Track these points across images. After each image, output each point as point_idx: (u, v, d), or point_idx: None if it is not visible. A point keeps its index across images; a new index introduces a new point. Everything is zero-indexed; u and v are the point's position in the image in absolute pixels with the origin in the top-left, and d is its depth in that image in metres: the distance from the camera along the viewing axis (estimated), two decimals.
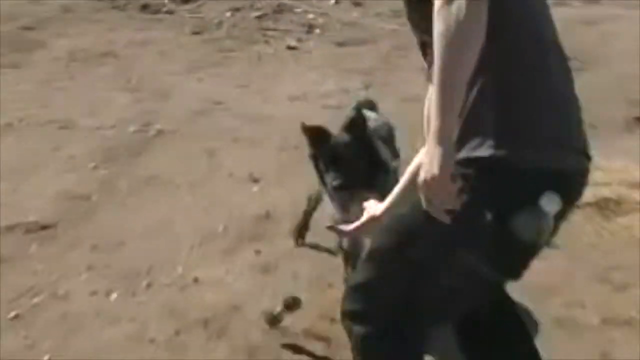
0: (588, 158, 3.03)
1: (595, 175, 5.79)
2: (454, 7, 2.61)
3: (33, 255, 5.15)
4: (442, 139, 2.58)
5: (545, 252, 4.99)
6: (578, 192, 3.02)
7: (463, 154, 2.73)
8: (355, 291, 3.14)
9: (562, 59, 2.96)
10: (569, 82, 2.99)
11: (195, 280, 4.87)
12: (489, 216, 2.71)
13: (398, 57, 8.98)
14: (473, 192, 2.70)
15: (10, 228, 5.40)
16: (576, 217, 5.32)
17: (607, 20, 10.00)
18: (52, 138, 6.81)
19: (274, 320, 4.41)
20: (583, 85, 7.77)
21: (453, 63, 2.62)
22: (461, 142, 2.73)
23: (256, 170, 6.18)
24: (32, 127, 7.02)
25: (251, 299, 4.64)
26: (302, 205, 5.17)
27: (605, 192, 5.75)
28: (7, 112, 7.21)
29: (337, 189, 4.06)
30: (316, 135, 4.11)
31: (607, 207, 5.64)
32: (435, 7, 2.65)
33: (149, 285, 4.83)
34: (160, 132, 6.97)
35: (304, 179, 5.24)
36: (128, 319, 4.52)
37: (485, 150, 2.72)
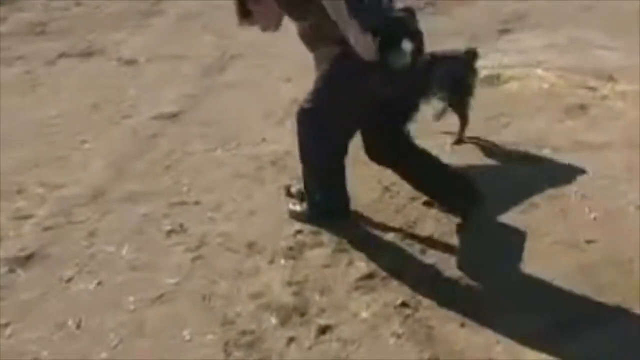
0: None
1: (484, 63, 5.77)
2: None
3: (169, 132, 5.13)
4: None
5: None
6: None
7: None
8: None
9: None
10: None
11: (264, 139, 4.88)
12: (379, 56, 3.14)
13: None
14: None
15: (154, 117, 5.35)
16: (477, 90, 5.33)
17: None
18: (174, 64, 6.66)
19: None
20: (468, 13, 7.39)
21: None
22: None
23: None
24: (161, 58, 6.85)
25: None
26: None
27: (491, 71, 5.73)
28: (144, 53, 7.05)
29: None
30: None
31: (493, 80, 5.67)
32: None
33: (237, 145, 4.82)
34: (233, 55, 6.83)
35: None
36: (228, 164, 4.56)
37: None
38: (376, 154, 3.69)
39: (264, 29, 3.58)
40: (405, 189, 3.96)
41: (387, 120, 3.63)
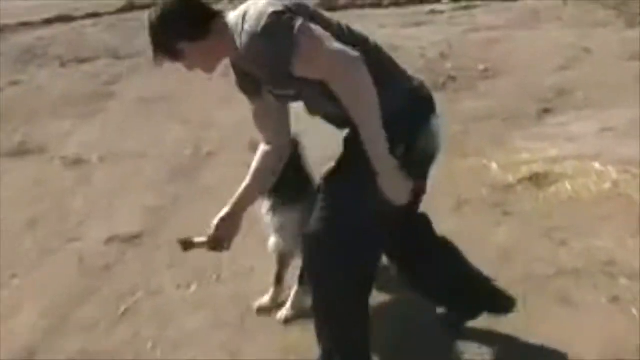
0: None
1: (524, 156, 5.71)
2: (352, 77, 2.74)
3: (129, 260, 4.81)
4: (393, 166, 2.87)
5: (503, 220, 4.82)
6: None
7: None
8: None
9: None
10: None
11: (252, 269, 4.52)
12: (402, 148, 2.91)
13: None
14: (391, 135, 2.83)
15: (109, 240, 5.04)
16: (519, 190, 5.28)
17: (506, 40, 9.65)
18: (132, 165, 6.45)
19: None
20: (498, 88, 7.63)
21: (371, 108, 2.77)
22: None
23: None
24: (117, 158, 6.65)
25: None
26: None
27: (535, 168, 5.57)
28: (96, 150, 6.83)
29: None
30: None
31: (538, 179, 5.45)
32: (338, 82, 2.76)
33: (218, 278, 4.48)
34: (209, 153, 6.65)
35: None
36: (206, 306, 4.18)
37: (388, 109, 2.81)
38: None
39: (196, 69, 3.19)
40: None
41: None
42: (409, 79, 3.12)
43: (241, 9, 2.91)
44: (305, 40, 2.72)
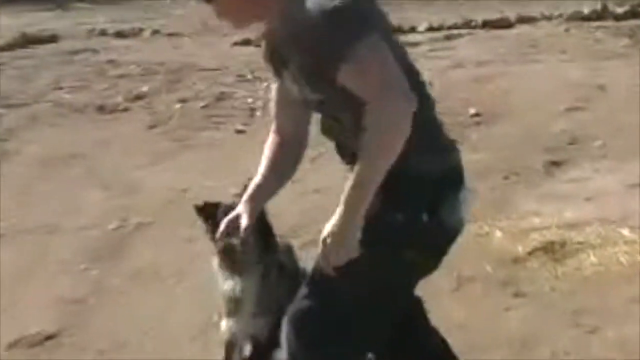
0: None
1: (534, 221, 5.71)
2: (391, 115, 2.70)
3: None
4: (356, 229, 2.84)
5: (515, 303, 4.79)
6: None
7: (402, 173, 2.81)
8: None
9: None
10: None
11: None
12: (425, 216, 2.92)
13: None
14: (408, 201, 2.92)
15: (13, 344, 4.82)
16: (532, 264, 5.28)
17: (498, 77, 9.75)
18: (40, 243, 6.29)
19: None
20: (494, 137, 7.72)
21: (384, 163, 2.73)
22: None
23: None
24: (20, 235, 6.48)
25: None
26: None
27: (549, 236, 5.57)
28: None
29: None
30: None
31: (554, 250, 5.45)
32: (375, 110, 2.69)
33: None
34: (138, 226, 6.52)
35: None
36: None
37: (413, 170, 2.85)
38: None
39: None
40: None
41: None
42: (448, 142, 3.12)
43: None
44: (368, 50, 2.69)
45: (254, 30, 3.05)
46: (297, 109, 3.16)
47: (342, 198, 2.81)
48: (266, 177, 3.30)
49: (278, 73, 3.07)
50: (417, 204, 2.92)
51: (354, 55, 2.67)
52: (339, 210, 2.85)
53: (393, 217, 2.93)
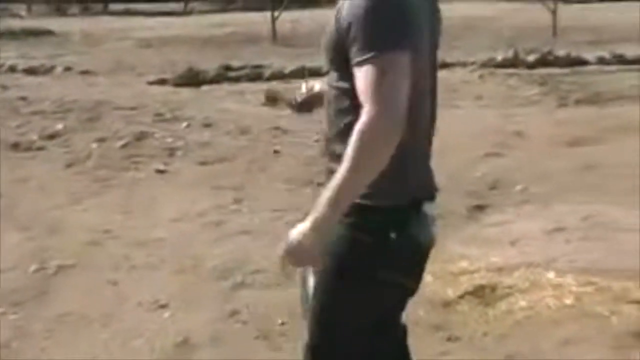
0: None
1: (462, 264, 5.72)
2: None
3: None
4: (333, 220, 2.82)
5: (450, 348, 4.79)
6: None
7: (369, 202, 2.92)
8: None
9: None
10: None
11: None
12: (394, 235, 2.94)
13: (258, 171, 8.58)
14: (375, 224, 2.95)
15: None
16: (463, 307, 5.30)
17: None
18: None
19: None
20: None
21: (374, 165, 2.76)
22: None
23: (162, 296, 5.66)
24: None
25: None
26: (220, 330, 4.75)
27: (478, 279, 5.58)
28: None
29: None
30: None
31: (484, 294, 5.46)
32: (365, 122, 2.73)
33: None
34: (60, 268, 6.31)
35: (210, 299, 5.51)
36: None
37: (381, 197, 2.92)
38: None
39: None
40: None
41: None
42: (423, 173, 3.19)
43: None
44: (388, 64, 2.74)
45: None
46: None
47: (323, 193, 2.83)
48: None
49: None
50: (385, 225, 2.95)
51: (375, 62, 2.74)
52: (317, 203, 2.85)
53: (362, 240, 2.96)
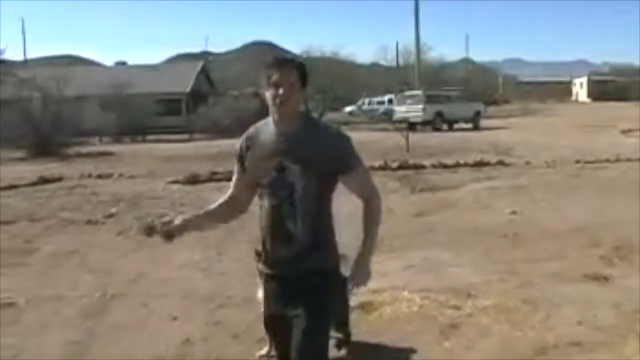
0: None
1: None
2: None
3: None
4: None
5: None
6: None
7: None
8: None
9: None
10: None
11: None
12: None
13: (231, 235, 8.47)
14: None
15: None
16: (353, 315, 5.09)
17: None
18: (52, 308, 5.90)
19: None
20: None
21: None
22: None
23: (174, 313, 5.58)
24: (39, 301, 6.08)
25: None
26: (208, 333, 4.66)
27: (363, 298, 5.38)
28: (22, 294, 6.22)
29: None
30: None
31: (365, 306, 5.41)
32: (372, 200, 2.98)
33: None
34: (113, 295, 6.18)
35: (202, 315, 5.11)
36: None
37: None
38: None
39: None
40: None
41: None
42: None
43: None
44: None
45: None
46: (253, 191, 2.99)
47: (365, 237, 2.98)
48: (207, 213, 3.10)
49: (280, 165, 2.86)
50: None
51: (364, 165, 2.96)
52: (365, 243, 2.99)
53: (340, 271, 3.01)
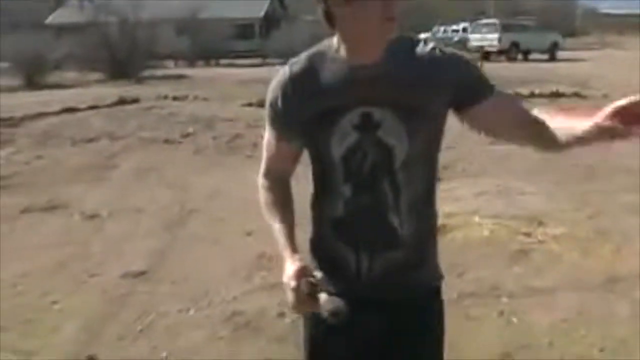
0: None
1: None
2: None
3: (140, 291, 4.54)
4: None
5: None
6: None
7: None
8: None
9: None
10: None
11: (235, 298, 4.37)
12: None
13: None
14: None
15: (124, 275, 4.74)
16: None
17: None
18: (133, 218, 6.17)
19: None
20: None
21: None
22: None
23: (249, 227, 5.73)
24: (121, 211, 6.37)
25: None
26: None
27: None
28: (105, 207, 6.54)
29: None
30: None
31: (439, 230, 5.25)
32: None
33: (209, 304, 4.27)
34: (191, 210, 6.38)
35: None
36: (203, 325, 4.04)
37: None
38: None
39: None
40: None
41: None
42: None
43: None
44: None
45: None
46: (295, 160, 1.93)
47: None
48: (286, 218, 1.92)
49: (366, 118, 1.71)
50: None
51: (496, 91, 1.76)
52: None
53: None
